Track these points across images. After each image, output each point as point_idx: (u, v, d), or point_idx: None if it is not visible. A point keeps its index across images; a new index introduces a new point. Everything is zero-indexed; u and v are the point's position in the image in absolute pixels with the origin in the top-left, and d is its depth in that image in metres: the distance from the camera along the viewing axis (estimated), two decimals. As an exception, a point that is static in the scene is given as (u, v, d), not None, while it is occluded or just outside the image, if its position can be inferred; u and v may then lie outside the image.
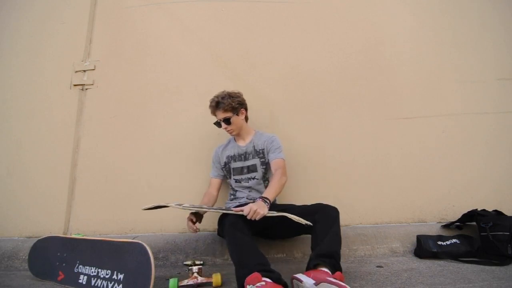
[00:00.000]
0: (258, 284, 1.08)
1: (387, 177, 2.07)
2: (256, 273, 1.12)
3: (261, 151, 1.78)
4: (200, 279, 1.35)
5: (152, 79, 2.30)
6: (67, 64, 2.36)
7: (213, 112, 1.78)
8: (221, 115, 1.74)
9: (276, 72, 2.25)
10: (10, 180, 2.19)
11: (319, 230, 1.37)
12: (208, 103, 1.80)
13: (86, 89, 2.33)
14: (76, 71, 2.34)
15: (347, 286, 1.05)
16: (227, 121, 1.74)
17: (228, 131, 1.78)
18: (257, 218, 1.33)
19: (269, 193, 1.51)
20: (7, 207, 2.14)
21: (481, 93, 2.18)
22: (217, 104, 1.75)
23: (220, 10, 2.38)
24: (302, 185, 2.03)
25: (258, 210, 1.34)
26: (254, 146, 1.80)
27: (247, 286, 1.10)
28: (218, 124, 1.79)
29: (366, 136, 2.14)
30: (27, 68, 2.39)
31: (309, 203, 1.98)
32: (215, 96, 1.78)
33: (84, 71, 2.34)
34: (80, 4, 2.47)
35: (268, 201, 1.45)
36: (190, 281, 1.33)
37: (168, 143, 2.17)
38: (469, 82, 2.20)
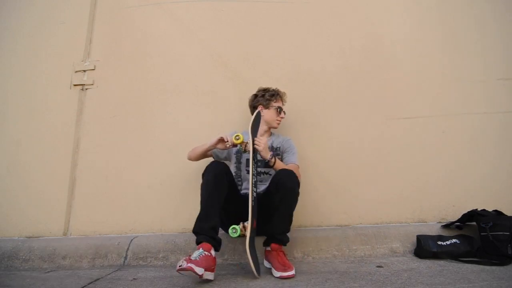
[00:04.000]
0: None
1: (387, 177, 2.07)
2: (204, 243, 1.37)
3: (278, 148, 1.86)
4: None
5: (152, 79, 2.30)
6: (67, 64, 2.36)
7: (277, 98, 1.89)
8: (282, 106, 1.91)
9: (276, 72, 2.25)
10: (9, 180, 2.19)
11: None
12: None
13: (86, 89, 2.33)
14: (76, 71, 2.34)
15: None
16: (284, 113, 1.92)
17: (279, 121, 1.89)
18: (257, 147, 1.56)
19: (281, 163, 1.69)
20: (7, 207, 2.14)
21: (481, 93, 2.18)
22: (283, 95, 1.93)
23: (220, 10, 2.38)
24: (302, 185, 2.00)
25: (263, 146, 1.57)
26: (272, 143, 1.87)
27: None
28: (280, 109, 1.89)
29: (366, 136, 2.14)
30: (27, 68, 2.39)
31: (309, 203, 2.00)
32: (275, 87, 1.94)
33: (84, 71, 2.34)
34: (80, 4, 2.47)
35: (275, 158, 1.63)
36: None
37: (168, 143, 2.17)
38: (469, 82, 2.20)
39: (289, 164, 1.76)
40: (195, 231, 1.44)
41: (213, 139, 1.66)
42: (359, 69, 2.25)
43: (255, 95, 1.93)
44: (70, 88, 2.33)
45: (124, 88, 2.30)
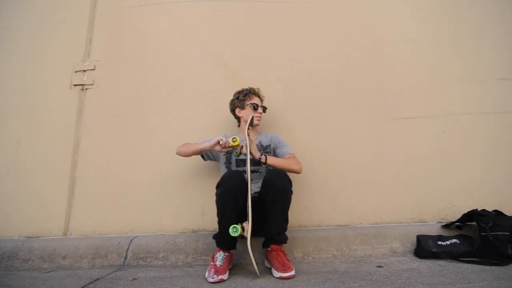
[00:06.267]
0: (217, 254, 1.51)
1: (387, 177, 2.07)
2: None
3: (267, 146, 1.86)
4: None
5: (152, 79, 2.30)
6: (67, 64, 2.36)
7: (251, 95, 1.89)
8: (260, 102, 1.92)
9: (276, 72, 2.25)
10: (10, 180, 2.19)
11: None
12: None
13: (86, 89, 2.33)
14: (76, 71, 2.35)
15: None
16: (265, 109, 1.93)
17: (258, 118, 1.87)
18: (247, 141, 1.57)
19: (272, 157, 1.68)
20: (7, 207, 2.14)
21: (481, 93, 2.18)
22: (258, 91, 1.92)
23: (220, 10, 2.38)
24: (302, 185, 2.02)
25: (252, 144, 1.60)
26: (260, 142, 1.87)
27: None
28: (256, 106, 1.87)
29: (366, 136, 2.14)
30: (27, 68, 2.39)
31: (309, 203, 2.00)
32: (250, 87, 1.93)
33: (84, 71, 2.34)
34: (80, 4, 2.48)
35: (265, 156, 1.61)
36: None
37: (168, 143, 2.16)
38: (469, 82, 2.20)
39: (285, 155, 1.76)
40: (216, 244, 1.56)
41: (211, 141, 1.63)
42: (359, 69, 2.24)
43: (232, 100, 1.94)
44: (70, 88, 2.33)
45: (124, 88, 2.30)
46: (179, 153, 1.83)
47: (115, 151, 2.19)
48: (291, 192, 1.54)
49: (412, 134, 2.13)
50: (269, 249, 1.53)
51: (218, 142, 1.62)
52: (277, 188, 1.48)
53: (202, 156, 1.89)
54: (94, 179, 2.15)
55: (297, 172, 1.69)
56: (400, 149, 2.11)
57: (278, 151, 1.82)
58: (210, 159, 1.92)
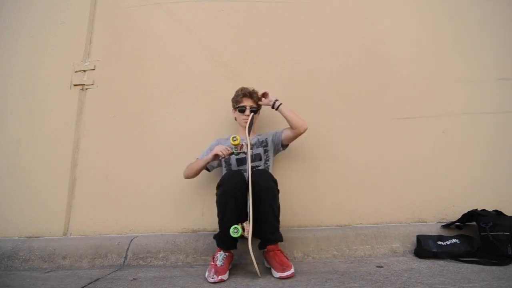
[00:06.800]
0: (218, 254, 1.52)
1: (387, 177, 2.07)
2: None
3: (265, 140, 1.88)
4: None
5: (152, 79, 2.30)
6: (67, 64, 2.36)
7: (240, 98, 1.88)
8: (253, 103, 1.89)
9: (276, 72, 2.25)
10: (10, 180, 2.19)
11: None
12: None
13: (86, 89, 2.33)
14: (76, 71, 2.35)
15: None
16: (254, 111, 1.88)
17: (245, 120, 1.82)
18: (247, 140, 1.60)
19: (286, 106, 1.80)
20: (7, 207, 2.14)
21: (481, 93, 2.18)
22: (251, 94, 1.88)
23: (220, 10, 2.38)
24: (302, 185, 2.02)
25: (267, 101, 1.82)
26: (258, 139, 1.89)
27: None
28: (242, 108, 1.86)
29: (366, 136, 2.14)
30: (27, 68, 2.39)
31: (309, 202, 2.00)
32: (244, 87, 1.91)
33: (84, 71, 2.35)
34: (80, 4, 2.48)
35: (279, 101, 1.79)
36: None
37: (168, 143, 2.17)
38: (469, 82, 2.20)
39: (283, 129, 1.85)
40: (217, 244, 1.55)
41: (209, 155, 1.68)
42: (359, 69, 2.24)
43: (231, 99, 1.95)
44: (70, 88, 2.33)
45: (124, 88, 2.30)
46: (187, 177, 1.86)
47: (115, 151, 2.19)
48: (277, 191, 1.54)
49: (412, 134, 2.13)
50: (266, 249, 1.53)
51: (217, 156, 1.64)
52: (262, 188, 1.48)
53: (207, 169, 1.89)
54: (94, 179, 2.15)
55: (304, 126, 1.77)
56: (400, 149, 2.11)
57: (277, 134, 1.87)
58: (215, 168, 1.92)
